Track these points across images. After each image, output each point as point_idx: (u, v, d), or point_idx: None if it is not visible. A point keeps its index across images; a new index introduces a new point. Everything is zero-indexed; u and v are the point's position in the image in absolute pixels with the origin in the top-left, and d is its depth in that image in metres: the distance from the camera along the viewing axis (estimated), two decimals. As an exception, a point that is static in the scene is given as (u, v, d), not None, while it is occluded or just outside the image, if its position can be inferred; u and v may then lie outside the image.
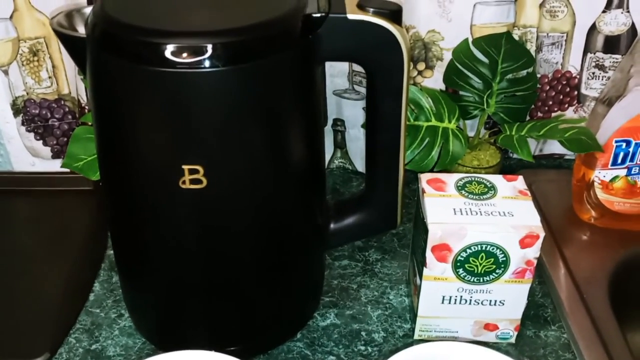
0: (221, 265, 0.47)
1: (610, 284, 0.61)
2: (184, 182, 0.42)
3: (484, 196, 0.51)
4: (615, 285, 0.62)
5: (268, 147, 0.44)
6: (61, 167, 0.60)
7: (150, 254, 0.47)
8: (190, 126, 0.41)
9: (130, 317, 0.55)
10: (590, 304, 0.59)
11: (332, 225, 0.54)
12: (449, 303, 0.52)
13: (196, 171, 0.41)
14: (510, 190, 0.52)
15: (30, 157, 0.77)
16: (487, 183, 0.52)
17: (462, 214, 0.49)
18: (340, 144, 0.74)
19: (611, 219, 0.67)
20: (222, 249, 0.46)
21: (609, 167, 0.64)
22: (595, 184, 0.65)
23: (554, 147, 0.76)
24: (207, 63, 0.38)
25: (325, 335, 0.55)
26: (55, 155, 0.77)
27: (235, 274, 0.48)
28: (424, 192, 0.51)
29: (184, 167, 0.41)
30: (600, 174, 0.64)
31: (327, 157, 0.75)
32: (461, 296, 0.51)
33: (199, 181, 0.42)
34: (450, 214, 0.49)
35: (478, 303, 0.52)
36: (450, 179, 0.53)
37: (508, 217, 0.49)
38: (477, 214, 0.49)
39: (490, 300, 0.52)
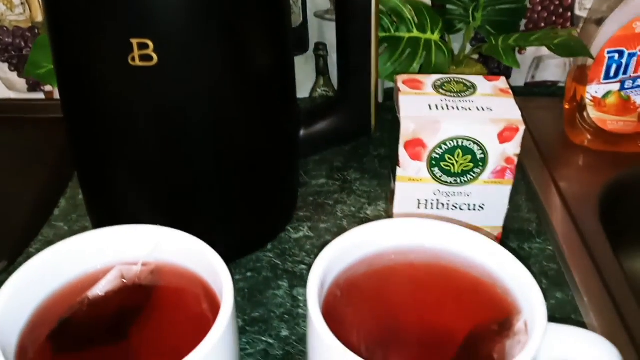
0: (179, 160, 0.45)
1: (600, 203, 0.58)
2: (133, 59, 0.39)
3: (463, 94, 0.48)
4: (605, 205, 0.59)
5: (224, 28, 0.41)
6: (25, 74, 0.58)
7: (105, 142, 0.45)
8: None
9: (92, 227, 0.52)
10: (579, 221, 0.56)
11: (302, 132, 0.51)
12: (425, 208, 0.49)
13: (146, 46, 0.39)
14: (491, 89, 0.49)
15: (5, 90, 0.75)
16: (467, 82, 0.49)
17: (437, 109, 0.46)
18: (322, 70, 0.71)
19: (604, 141, 0.64)
20: (178, 139, 0.43)
21: (602, 81, 0.60)
22: (587, 101, 0.62)
23: (547, 74, 0.73)
24: None
25: (297, 247, 0.52)
26: (31, 88, 0.75)
27: (195, 172, 0.45)
28: (399, 90, 0.48)
29: (132, 40, 0.39)
30: (592, 90, 0.61)
31: (309, 85, 0.72)
32: (438, 200, 0.48)
33: (149, 57, 0.39)
34: (425, 109, 0.46)
35: (456, 208, 0.49)
36: (428, 80, 0.50)
37: (487, 111, 0.46)
38: (454, 109, 0.46)
39: (469, 205, 0.49)
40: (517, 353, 0.30)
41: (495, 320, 0.33)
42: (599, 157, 0.64)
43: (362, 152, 0.63)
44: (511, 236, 0.53)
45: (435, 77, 0.50)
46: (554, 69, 0.73)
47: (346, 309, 0.34)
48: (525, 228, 0.54)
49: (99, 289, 0.34)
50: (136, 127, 0.43)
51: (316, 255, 0.51)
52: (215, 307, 0.33)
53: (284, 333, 0.45)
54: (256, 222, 0.50)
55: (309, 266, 0.50)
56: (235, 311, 0.33)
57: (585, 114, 0.63)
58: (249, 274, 0.49)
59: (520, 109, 0.46)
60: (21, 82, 0.75)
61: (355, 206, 0.56)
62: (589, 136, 0.64)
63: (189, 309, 0.35)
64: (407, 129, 0.45)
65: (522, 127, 0.45)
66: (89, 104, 0.43)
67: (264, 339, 0.44)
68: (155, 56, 0.39)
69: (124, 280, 0.35)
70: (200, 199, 0.47)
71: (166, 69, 0.40)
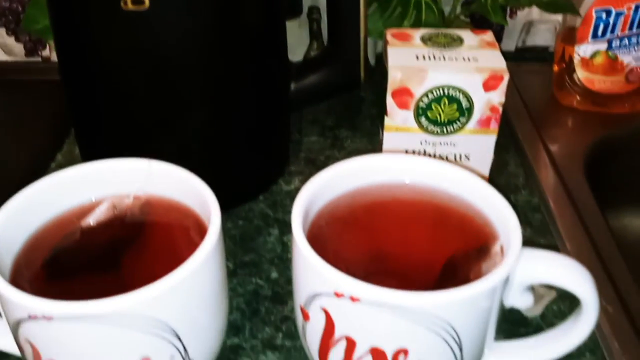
0: (172, 109, 0.46)
1: (586, 161, 0.60)
2: (125, 3, 0.40)
3: (450, 46, 0.49)
4: (591, 162, 0.60)
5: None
6: (23, 28, 0.59)
7: (99, 90, 0.46)
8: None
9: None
10: (565, 176, 0.57)
11: (293, 85, 0.52)
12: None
13: (137, -11, 0.40)
14: (477, 42, 0.50)
15: (3, 55, 0.76)
16: (454, 36, 0.50)
17: (424, 59, 0.47)
18: (316, 34, 0.72)
19: (592, 102, 0.65)
20: (170, 86, 0.44)
21: (589, 40, 0.61)
22: (576, 61, 0.63)
23: (537, 38, 0.74)
24: None
25: (288, 198, 0.53)
26: (28, 53, 0.76)
27: (188, 122, 0.47)
28: (387, 43, 0.49)
29: (124, -17, 0.40)
30: (580, 50, 0.62)
31: (303, 49, 0.73)
32: (425, 149, 0.50)
33: (141, 1, 0.40)
34: (413, 59, 0.47)
35: (442, 158, 0.50)
36: (416, 33, 0.51)
37: (472, 61, 0.47)
38: (440, 59, 0.47)
39: (455, 154, 0.50)
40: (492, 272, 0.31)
41: (474, 247, 0.34)
42: (587, 118, 0.65)
43: (353, 113, 0.64)
44: (497, 189, 0.54)
45: (423, 30, 0.51)
46: (545, 33, 0.73)
47: (330, 239, 0.35)
48: (511, 182, 0.56)
49: (91, 219, 0.35)
50: (128, 74, 0.44)
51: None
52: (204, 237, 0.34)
53: (274, 275, 0.46)
54: (249, 173, 0.52)
55: (299, 215, 0.51)
56: (223, 239, 0.34)
57: (574, 75, 0.64)
58: (240, 222, 0.51)
59: (511, 73, 0.47)
60: (19, 47, 0.75)
61: (345, 161, 0.57)
62: (577, 97, 0.65)
63: (179, 240, 0.36)
64: (395, 78, 0.46)
65: (507, 76, 0.46)
66: (83, 50, 0.44)
67: (254, 280, 0.46)
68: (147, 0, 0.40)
69: (116, 212, 0.36)
70: (194, 147, 0.48)
71: (158, 13, 0.41)
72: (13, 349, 0.35)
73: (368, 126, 0.62)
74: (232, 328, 0.42)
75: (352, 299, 0.29)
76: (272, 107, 0.51)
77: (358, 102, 0.66)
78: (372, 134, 0.61)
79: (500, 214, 0.34)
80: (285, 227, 0.50)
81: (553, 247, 0.49)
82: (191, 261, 0.30)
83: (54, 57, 0.73)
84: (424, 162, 0.37)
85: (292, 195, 0.53)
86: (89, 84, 0.46)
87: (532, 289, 0.34)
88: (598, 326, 0.43)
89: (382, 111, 0.50)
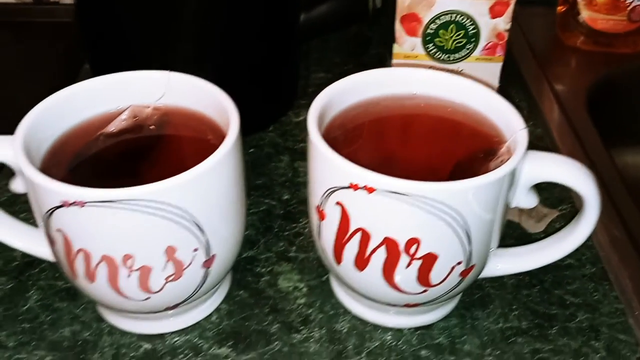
0: (184, 35, 0.47)
1: (589, 97, 0.61)
2: None
3: (456, -25, 0.50)
4: (594, 99, 0.61)
5: None
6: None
7: (115, 17, 0.47)
8: None
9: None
10: (568, 110, 0.58)
11: (303, 16, 0.53)
12: (420, 86, 0.51)
13: None
14: (484, -29, 0.51)
15: None
16: (461, -34, 0.51)
17: (432, -14, 0.48)
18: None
19: (595, 42, 0.66)
20: (183, 13, 0.45)
21: (593, -21, 0.62)
22: (579, 1, 0.63)
23: (542, -18, 0.75)
24: None
25: (297, 128, 0.55)
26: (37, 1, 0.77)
27: (197, 50, 0.48)
28: (395, -27, 0.50)
29: None
30: (584, -12, 0.63)
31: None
32: (432, 77, 0.51)
33: None
34: (420, -14, 0.48)
35: (449, 86, 0.51)
36: (424, -36, 0.52)
37: (479, -12, 0.48)
38: (447, -14, 0.48)
39: (462, 82, 0.51)
40: (500, 168, 0.32)
41: (481, 148, 0.35)
42: (590, 58, 0.66)
43: (360, 51, 0.65)
44: (502, 120, 0.56)
45: (431, -39, 0.52)
46: (549, -24, 0.74)
47: (342, 146, 0.36)
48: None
49: (113, 127, 0.37)
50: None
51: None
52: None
53: (285, 197, 0.48)
54: (259, 102, 0.53)
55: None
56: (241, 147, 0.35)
57: (578, 16, 0.65)
58: (251, 150, 0.52)
59: (516, 16, 0.48)
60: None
61: (353, 96, 0.59)
62: (581, 37, 0.66)
63: (198, 146, 0.37)
64: (403, 3, 0.48)
65: (513, 1, 0.47)
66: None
67: (266, 201, 0.47)
68: None
69: (137, 121, 0.37)
70: (205, 77, 0.49)
71: None
72: (47, 255, 0.36)
73: (375, 64, 0.63)
74: (247, 242, 0.44)
75: (368, 189, 0.31)
76: (282, 37, 0.52)
77: (366, 42, 0.67)
78: (378, 71, 0.62)
79: (506, 118, 0.35)
80: (296, 154, 0.52)
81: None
82: (215, 155, 0.31)
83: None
84: (431, 74, 0.38)
85: (301, 126, 0.55)
86: (103, 8, 0.48)
87: (535, 203, 0.35)
88: (600, 244, 0.44)
89: (391, 40, 0.51)
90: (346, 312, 0.39)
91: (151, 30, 0.47)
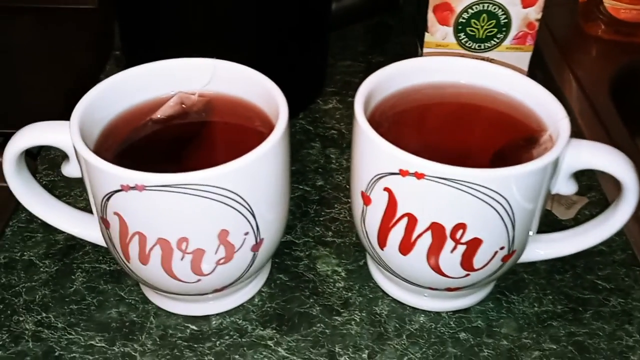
0: (219, 23, 0.47)
1: (612, 85, 0.62)
2: None
3: (487, -36, 0.51)
4: (617, 87, 0.62)
5: None
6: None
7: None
8: None
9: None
10: (592, 97, 0.59)
11: (334, 5, 0.54)
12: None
13: None
14: (514, -39, 0.51)
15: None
16: (491, -45, 0.52)
17: (464, -25, 0.49)
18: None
19: (616, 31, 0.66)
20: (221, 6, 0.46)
21: (617, -32, 0.63)
22: (602, -10, 0.64)
23: (562, -29, 0.75)
24: None
25: (327, 115, 0.55)
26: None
27: (231, 38, 0.48)
28: (427, -39, 0.51)
29: None
30: (607, -21, 0.63)
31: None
32: (462, 66, 0.52)
33: None
34: (453, -25, 0.49)
35: (479, 74, 0.52)
36: (454, -47, 0.52)
37: (511, -22, 0.49)
38: (479, -24, 0.49)
39: (491, 71, 0.52)
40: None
41: (523, 136, 0.36)
42: (611, 46, 0.67)
43: (383, 39, 0.66)
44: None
45: (461, -50, 0.52)
46: (570, -34, 0.75)
47: (386, 133, 0.37)
48: (541, 102, 0.58)
49: (161, 113, 0.38)
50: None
51: (346, 123, 0.54)
52: (270, 129, 0.36)
53: (319, 183, 0.48)
54: (291, 90, 0.53)
55: (339, 131, 0.53)
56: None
57: (600, 5, 0.65)
58: (283, 136, 0.53)
59: None
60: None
61: (380, 83, 0.59)
62: (602, 26, 0.66)
63: (244, 135, 0.38)
64: (436, -8, 0.48)
65: (545, -9, 0.48)
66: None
67: (301, 187, 0.48)
68: None
69: (184, 107, 0.38)
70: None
71: None
72: (94, 238, 0.37)
73: (399, 51, 0.64)
74: (285, 227, 0.44)
75: (417, 175, 0.32)
76: (313, 26, 0.53)
77: (387, 30, 0.67)
78: (403, 59, 0.62)
79: (547, 107, 0.36)
80: (327, 141, 0.53)
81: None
82: (268, 141, 0.32)
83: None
84: (474, 64, 0.39)
85: (330, 114, 0.56)
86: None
87: (575, 190, 0.36)
88: (629, 230, 0.45)
89: (420, 27, 0.52)
90: (385, 295, 0.40)
91: (185, 18, 0.48)
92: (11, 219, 0.44)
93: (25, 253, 0.42)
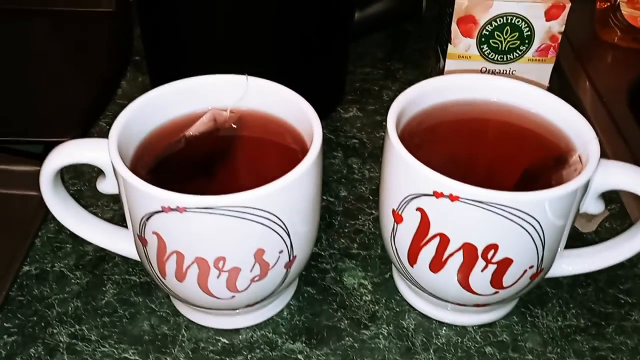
0: (243, 31, 0.48)
1: (629, 93, 0.62)
2: None
3: (511, -24, 0.51)
4: (635, 95, 0.62)
5: None
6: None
7: (177, 18, 0.48)
8: None
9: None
10: (609, 105, 0.59)
11: (357, 14, 0.54)
12: (472, 85, 0.52)
13: None
14: (537, -27, 0.52)
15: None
16: (514, -33, 0.52)
17: (488, -12, 0.49)
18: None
19: (632, 38, 0.67)
20: (241, 10, 0.46)
21: (635, -23, 0.63)
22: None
23: (578, -23, 0.75)
24: None
25: (348, 124, 0.56)
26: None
27: (255, 47, 0.49)
28: (450, -27, 0.51)
29: None
30: (625, -13, 0.64)
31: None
32: (484, 77, 0.52)
33: None
34: (477, -13, 0.49)
35: (500, 85, 0.52)
36: (477, -36, 0.52)
37: (534, -9, 0.49)
38: (503, -12, 0.49)
39: (513, 82, 0.52)
40: (574, 178, 0.34)
41: (552, 156, 0.37)
42: (628, 54, 0.67)
43: (401, 45, 0.66)
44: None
45: (483, -39, 0.53)
46: (586, -29, 0.75)
47: (416, 149, 0.37)
48: (560, 111, 0.58)
49: (194, 129, 0.38)
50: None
51: (367, 132, 0.55)
52: (301, 147, 0.37)
53: (343, 193, 0.49)
54: (312, 99, 0.54)
55: (361, 140, 0.54)
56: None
57: (617, 12, 0.66)
58: (305, 145, 0.53)
59: None
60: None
61: (399, 91, 0.59)
62: (619, 33, 0.67)
63: (277, 152, 0.39)
64: (461, 5, 0.48)
65: (568, 5, 0.48)
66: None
67: (325, 197, 0.48)
68: None
69: (216, 124, 0.38)
70: (262, 74, 0.50)
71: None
72: (128, 252, 0.38)
73: (418, 58, 0.64)
74: (310, 239, 0.45)
75: (452, 197, 0.32)
76: (337, 36, 0.53)
77: (405, 36, 0.67)
78: (422, 65, 0.63)
79: (578, 128, 0.37)
80: (348, 151, 0.53)
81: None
82: (305, 162, 0.33)
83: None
84: (504, 82, 0.40)
85: (351, 122, 0.56)
86: (164, 10, 0.48)
87: (602, 209, 0.37)
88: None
89: (443, 39, 0.52)
90: (411, 308, 0.41)
91: (207, 25, 0.48)
92: (40, 229, 0.45)
93: (55, 264, 0.43)
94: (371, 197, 0.49)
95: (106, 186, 0.36)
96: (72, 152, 0.35)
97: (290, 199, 0.33)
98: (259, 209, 0.31)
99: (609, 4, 0.66)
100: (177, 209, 0.31)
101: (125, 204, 0.34)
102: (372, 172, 0.51)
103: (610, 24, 0.67)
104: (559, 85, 0.62)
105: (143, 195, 0.31)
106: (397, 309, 0.41)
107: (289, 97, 0.38)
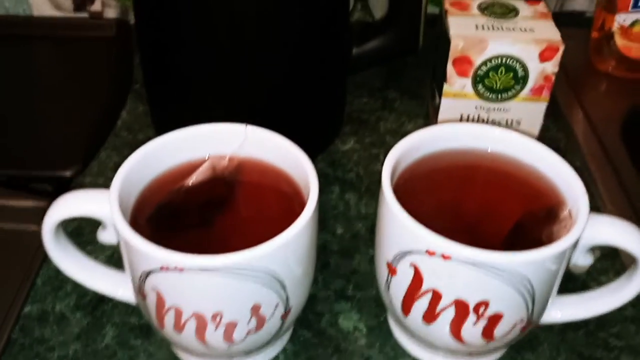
0: (241, 69, 0.48)
1: (623, 125, 0.63)
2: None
3: (506, 16, 0.52)
4: (628, 126, 0.63)
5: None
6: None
7: (173, 50, 0.49)
8: None
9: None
10: (603, 139, 0.60)
11: (354, 50, 0.55)
12: (467, 122, 0.53)
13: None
14: (532, 12, 0.52)
15: (52, 9, 0.78)
16: (509, 6, 0.53)
17: (484, 29, 0.50)
18: (360, -4, 0.74)
19: (627, 68, 0.67)
20: (241, 48, 0.47)
21: (630, 10, 0.64)
22: (615, 29, 0.65)
23: (574, 4, 0.76)
24: None
25: (345, 157, 0.56)
26: (77, 8, 0.78)
27: (253, 82, 0.49)
28: (447, 12, 0.52)
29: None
30: (620, 19, 0.64)
31: (347, 9, 0.75)
32: (479, 115, 0.53)
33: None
34: (473, 28, 0.50)
35: (495, 123, 0.53)
36: (474, 2, 0.53)
37: (529, 32, 0.50)
38: (498, 29, 0.50)
39: (507, 120, 0.53)
40: (563, 235, 0.34)
41: (543, 209, 0.37)
42: (622, 84, 0.68)
43: (399, 75, 0.67)
44: (541, 152, 0.57)
45: (479, 0, 0.53)
46: (582, -1, 0.76)
47: (408, 197, 0.38)
48: (553, 146, 0.59)
49: (194, 178, 0.39)
50: (202, 37, 0.46)
51: (363, 165, 0.56)
52: (298, 197, 0.37)
53: (339, 231, 0.50)
54: (310, 134, 0.54)
55: (358, 174, 0.55)
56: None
57: (611, 42, 0.67)
58: (303, 180, 0.54)
59: None
60: (67, 2, 0.77)
61: (396, 123, 0.61)
62: (613, 63, 0.68)
63: (271, 199, 0.40)
64: (456, 47, 0.49)
65: (562, 47, 0.49)
66: (160, 9, 0.47)
67: (321, 235, 0.49)
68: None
69: (215, 172, 0.39)
70: (261, 109, 0.51)
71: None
72: (127, 297, 0.39)
73: (415, 88, 0.65)
74: (306, 278, 0.46)
75: (444, 257, 0.33)
76: (334, 71, 0.54)
77: (402, 66, 0.68)
78: (419, 96, 0.64)
79: (568, 182, 0.37)
80: (345, 185, 0.54)
81: (595, 209, 0.53)
82: (301, 219, 0.33)
83: (105, 13, 0.75)
84: (499, 133, 0.40)
85: (348, 155, 0.57)
86: (164, 45, 0.49)
87: (591, 262, 0.38)
88: None
89: (439, 77, 0.53)
90: (405, 353, 0.42)
91: (207, 59, 0.49)
92: (42, 267, 0.45)
93: (56, 305, 0.43)
94: (367, 235, 0.49)
95: (107, 237, 0.36)
96: (71, 206, 0.36)
97: (286, 256, 0.33)
98: (256, 268, 0.32)
99: (603, 32, 0.67)
100: (176, 269, 0.31)
101: (126, 258, 0.35)
102: (368, 208, 0.52)
103: (605, 54, 0.68)
104: (552, 113, 0.63)
105: (143, 255, 0.32)
106: (392, 354, 0.42)
107: (285, 146, 0.38)
